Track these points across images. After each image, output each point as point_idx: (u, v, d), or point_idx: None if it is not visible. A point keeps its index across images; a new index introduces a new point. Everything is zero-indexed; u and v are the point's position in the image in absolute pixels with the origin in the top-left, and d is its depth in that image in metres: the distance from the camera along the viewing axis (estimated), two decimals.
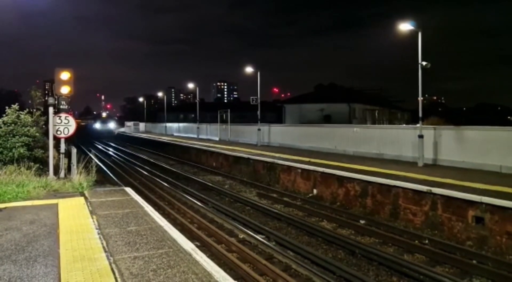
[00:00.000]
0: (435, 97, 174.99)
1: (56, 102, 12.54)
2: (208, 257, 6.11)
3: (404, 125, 33.95)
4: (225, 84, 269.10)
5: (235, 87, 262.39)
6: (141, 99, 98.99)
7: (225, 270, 5.60)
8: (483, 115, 79.73)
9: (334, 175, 13.58)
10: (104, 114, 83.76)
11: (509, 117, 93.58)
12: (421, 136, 14.40)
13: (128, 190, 11.17)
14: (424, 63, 14.76)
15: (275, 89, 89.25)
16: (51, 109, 12.37)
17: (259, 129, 26.31)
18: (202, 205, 13.30)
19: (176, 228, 7.54)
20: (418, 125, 15.32)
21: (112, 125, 68.81)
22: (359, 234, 10.22)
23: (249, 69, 28.21)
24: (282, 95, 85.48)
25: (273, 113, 53.94)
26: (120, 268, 5.18)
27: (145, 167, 24.17)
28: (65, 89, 12.28)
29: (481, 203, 9.01)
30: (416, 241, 9.30)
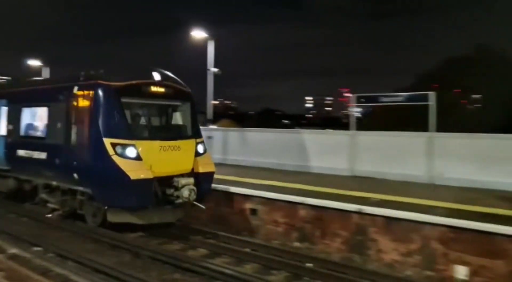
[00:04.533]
0: (228, 101, 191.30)
1: None
2: None
3: None
4: None
5: None
6: None
7: None
8: (266, 118, 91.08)
9: None
10: None
11: (283, 120, 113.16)
12: (210, 137, 15.39)
13: None
14: (215, 70, 15.80)
15: None
16: None
17: None
18: None
19: None
20: (211, 126, 16.40)
21: None
22: None
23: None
24: None
25: None
26: None
27: None
28: None
29: (255, 196, 10.21)
30: (200, 237, 9.65)
